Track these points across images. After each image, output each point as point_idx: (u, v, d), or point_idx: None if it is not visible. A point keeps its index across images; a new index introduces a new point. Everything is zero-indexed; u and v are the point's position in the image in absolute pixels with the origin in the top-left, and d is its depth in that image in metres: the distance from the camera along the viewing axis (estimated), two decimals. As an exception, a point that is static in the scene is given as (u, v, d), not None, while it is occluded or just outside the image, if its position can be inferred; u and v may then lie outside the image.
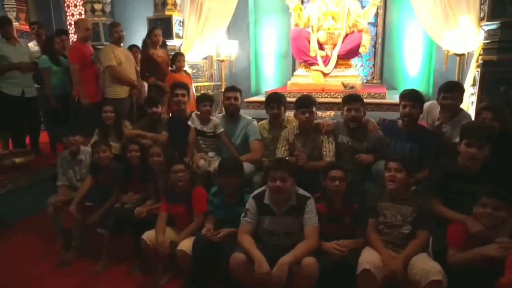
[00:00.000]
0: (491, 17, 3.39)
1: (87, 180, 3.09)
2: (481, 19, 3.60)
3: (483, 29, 3.66)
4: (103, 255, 2.86)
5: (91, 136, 3.55)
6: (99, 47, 4.98)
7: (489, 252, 1.79)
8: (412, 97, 2.73)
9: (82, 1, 6.09)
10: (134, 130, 3.51)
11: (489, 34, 3.59)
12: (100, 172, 3.08)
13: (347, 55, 5.04)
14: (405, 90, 2.87)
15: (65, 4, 7.28)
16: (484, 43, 3.69)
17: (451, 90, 2.76)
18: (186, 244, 2.43)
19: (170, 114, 3.80)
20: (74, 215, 2.92)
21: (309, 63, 5.16)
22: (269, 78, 6.66)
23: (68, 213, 2.96)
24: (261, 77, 6.73)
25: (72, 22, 6.98)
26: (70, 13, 7.30)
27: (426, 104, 3.10)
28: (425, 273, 1.89)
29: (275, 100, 3.10)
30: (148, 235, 2.58)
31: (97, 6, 5.52)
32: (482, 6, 3.58)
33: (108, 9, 5.67)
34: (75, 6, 7.24)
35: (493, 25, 3.49)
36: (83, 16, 6.38)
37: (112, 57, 3.93)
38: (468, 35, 3.78)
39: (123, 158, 3.15)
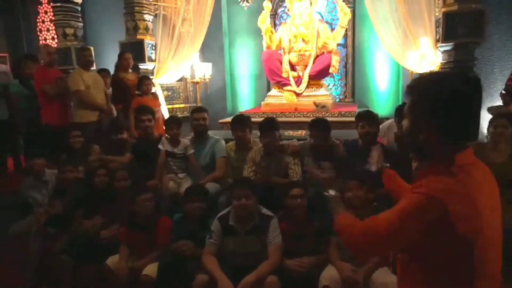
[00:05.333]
0: (444, 39, 3.60)
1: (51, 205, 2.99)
2: (437, 41, 3.81)
3: (439, 50, 3.87)
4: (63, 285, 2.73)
5: (57, 161, 3.48)
6: (71, 71, 4.95)
7: None
8: (368, 117, 2.86)
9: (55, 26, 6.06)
10: (99, 155, 3.47)
11: (445, 54, 3.81)
12: (64, 196, 3.00)
13: (318, 76, 5.19)
14: (360, 111, 3.00)
15: (37, 29, 7.26)
16: (441, 63, 3.90)
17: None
18: (150, 269, 2.40)
19: (136, 138, 3.76)
20: (31, 244, 2.81)
21: (281, 84, 5.28)
22: (245, 99, 6.75)
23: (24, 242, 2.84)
24: (237, 97, 6.81)
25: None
26: (43, 38, 7.27)
27: (386, 124, 3.22)
28: (383, 287, 1.92)
29: (238, 122, 3.16)
30: (113, 260, 2.53)
31: (69, 31, 5.51)
32: (437, 29, 3.79)
33: (80, 33, 5.66)
34: (48, 30, 7.23)
35: (447, 46, 3.70)
36: (55, 41, 6.36)
37: (80, 82, 3.92)
38: (427, 56, 3.98)
39: (87, 182, 3.10)
